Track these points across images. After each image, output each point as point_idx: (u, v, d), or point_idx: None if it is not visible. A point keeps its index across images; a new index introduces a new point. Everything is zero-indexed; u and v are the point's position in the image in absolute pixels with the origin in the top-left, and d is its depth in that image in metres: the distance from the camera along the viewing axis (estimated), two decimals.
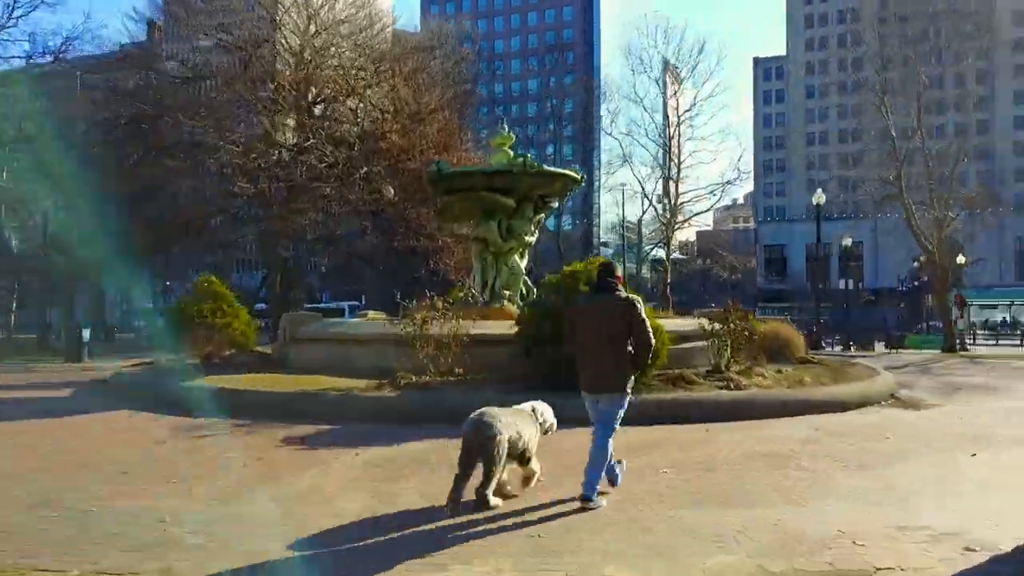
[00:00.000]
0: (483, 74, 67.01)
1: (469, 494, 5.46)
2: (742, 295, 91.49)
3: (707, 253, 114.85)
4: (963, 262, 45.65)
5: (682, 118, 41.58)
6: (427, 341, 10.81)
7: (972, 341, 43.57)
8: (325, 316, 19.17)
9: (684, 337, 12.63)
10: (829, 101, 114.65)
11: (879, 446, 7.99)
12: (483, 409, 5.63)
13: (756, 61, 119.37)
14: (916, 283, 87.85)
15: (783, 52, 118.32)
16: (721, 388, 10.75)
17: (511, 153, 16.47)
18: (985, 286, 79.62)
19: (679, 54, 45.07)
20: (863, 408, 10.93)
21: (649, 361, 6.65)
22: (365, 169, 24.71)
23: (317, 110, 26.89)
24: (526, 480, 6.02)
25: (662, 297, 41.02)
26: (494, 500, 5.47)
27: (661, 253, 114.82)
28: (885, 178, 42.28)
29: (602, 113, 52.17)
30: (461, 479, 5.38)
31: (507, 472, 5.78)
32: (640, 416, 9.50)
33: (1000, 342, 50.56)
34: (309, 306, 36.65)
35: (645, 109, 42.05)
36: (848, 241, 39.42)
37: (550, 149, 69.58)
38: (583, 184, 16.71)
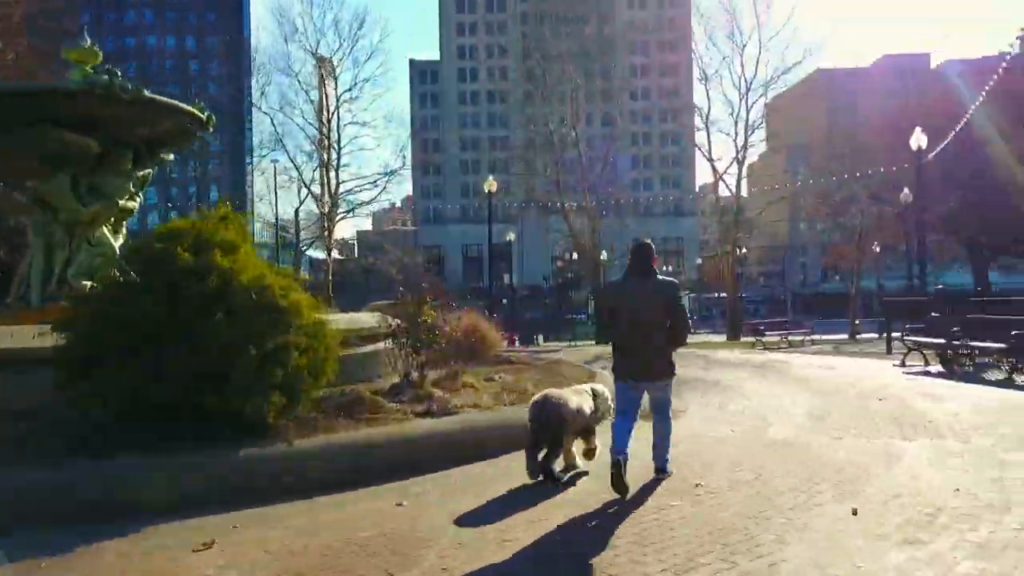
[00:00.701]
0: (106, 20, 55.66)
1: None
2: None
3: (372, 249, 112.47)
4: (607, 258, 48.44)
5: (341, 99, 37.58)
6: None
7: None
8: None
9: (365, 338, 8.67)
10: (480, 108, 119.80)
11: (722, 512, 4.76)
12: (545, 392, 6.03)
13: (412, 63, 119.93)
14: (561, 280, 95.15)
15: (438, 56, 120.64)
16: (422, 414, 6.94)
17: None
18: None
19: (338, 27, 40.79)
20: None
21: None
22: None
23: None
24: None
25: (324, 299, 36.87)
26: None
27: (318, 253, 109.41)
28: (541, 176, 42.78)
29: (252, 84, 45.51)
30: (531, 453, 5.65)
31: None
32: (293, 481, 5.35)
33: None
34: None
35: (300, 84, 37.13)
36: (512, 236, 38.89)
37: None
38: (211, 129, 11.70)
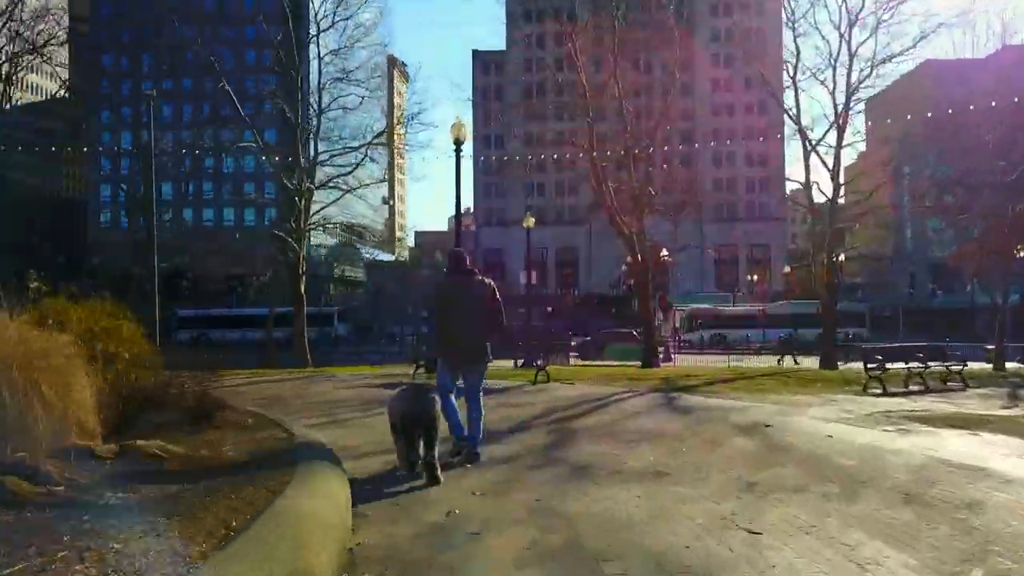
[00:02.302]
0: None
1: None
2: None
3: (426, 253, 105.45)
4: (667, 256, 38.87)
5: (319, 41, 28.93)
6: None
7: (676, 350, 36.74)
8: None
9: None
10: (547, 100, 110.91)
11: None
12: (416, 384, 6.70)
13: (475, 54, 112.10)
14: (627, 287, 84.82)
15: (504, 47, 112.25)
16: None
17: None
18: (688, 292, 77.60)
19: None
20: None
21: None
22: None
23: None
24: None
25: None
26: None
27: (382, 254, 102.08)
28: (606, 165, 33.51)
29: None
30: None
31: None
32: None
33: (705, 349, 44.91)
34: None
35: (266, 23, 28.55)
36: (531, 221, 29.68)
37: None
38: None
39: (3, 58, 31.25)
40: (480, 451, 6.35)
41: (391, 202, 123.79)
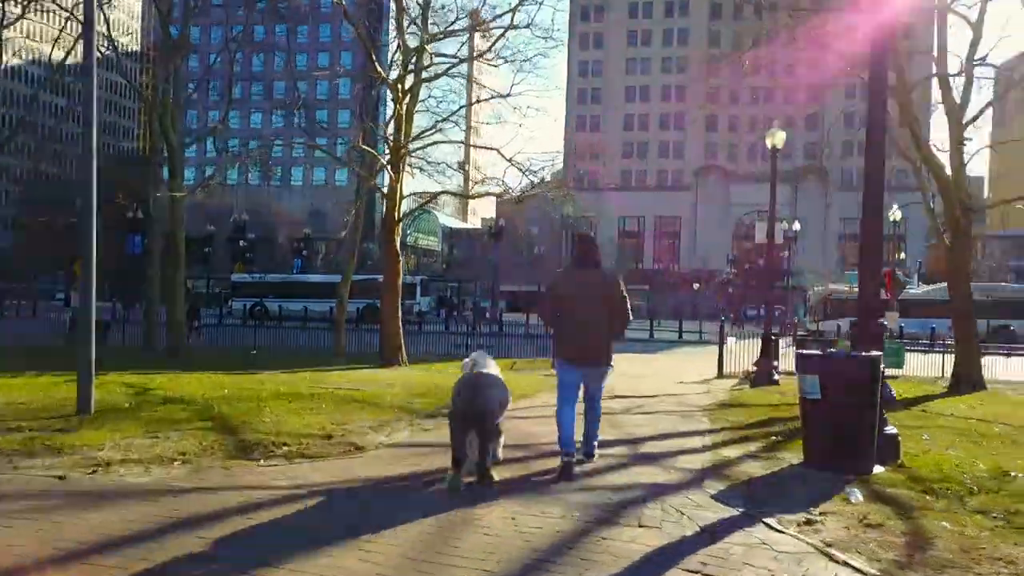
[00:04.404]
0: None
1: None
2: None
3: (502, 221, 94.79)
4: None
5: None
6: None
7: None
8: None
9: None
10: (652, 51, 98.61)
11: None
12: (478, 369, 5.35)
13: None
14: (748, 267, 71.96)
15: None
16: None
17: None
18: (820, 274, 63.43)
19: None
20: None
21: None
22: None
23: None
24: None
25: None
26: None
27: (450, 220, 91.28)
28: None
29: None
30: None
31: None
32: None
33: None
34: None
35: None
36: (780, 138, 17.98)
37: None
38: None
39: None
40: (595, 451, 6.33)
41: (467, 167, 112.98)
